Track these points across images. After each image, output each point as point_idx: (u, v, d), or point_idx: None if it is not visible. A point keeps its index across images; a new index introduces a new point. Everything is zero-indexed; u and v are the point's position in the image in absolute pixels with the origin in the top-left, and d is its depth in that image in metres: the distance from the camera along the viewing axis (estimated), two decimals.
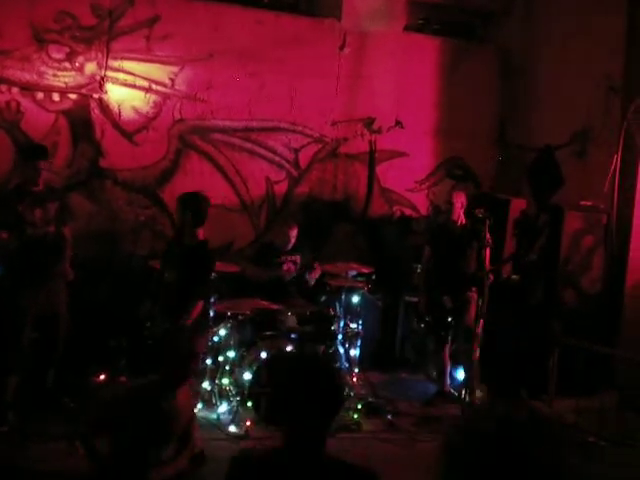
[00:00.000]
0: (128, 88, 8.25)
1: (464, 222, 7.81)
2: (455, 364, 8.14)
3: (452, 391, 7.94)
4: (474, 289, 7.60)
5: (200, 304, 6.81)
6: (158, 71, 8.33)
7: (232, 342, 7.22)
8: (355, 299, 7.93)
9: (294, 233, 7.95)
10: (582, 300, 8.42)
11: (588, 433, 6.99)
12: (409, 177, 9.63)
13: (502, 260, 8.36)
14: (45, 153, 7.10)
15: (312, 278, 8.03)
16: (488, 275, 7.50)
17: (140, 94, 8.31)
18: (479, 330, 7.68)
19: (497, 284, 7.82)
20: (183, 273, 6.88)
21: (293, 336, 7.40)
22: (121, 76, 8.19)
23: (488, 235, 7.57)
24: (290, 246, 7.97)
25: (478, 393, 7.39)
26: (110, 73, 8.14)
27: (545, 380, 7.65)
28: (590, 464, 6.12)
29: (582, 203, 8.50)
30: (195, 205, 7.01)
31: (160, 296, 6.97)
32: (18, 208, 6.57)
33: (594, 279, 8.47)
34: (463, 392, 7.54)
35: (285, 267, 7.95)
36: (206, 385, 7.19)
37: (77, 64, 8.00)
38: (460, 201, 7.84)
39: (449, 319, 7.76)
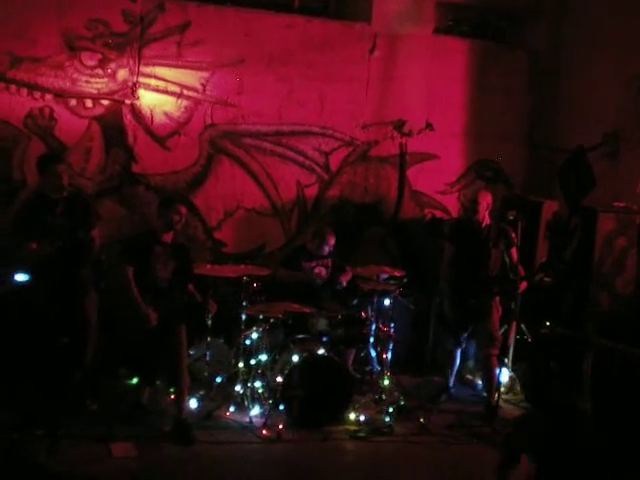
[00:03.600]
0: (160, 94, 8.31)
1: (489, 223, 7.67)
2: (478, 369, 8.18)
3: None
4: (496, 291, 7.57)
5: None
6: (189, 77, 8.39)
7: (264, 345, 7.25)
8: (387, 302, 7.91)
9: (332, 242, 7.94)
10: (616, 302, 8.35)
11: None
12: (440, 179, 9.60)
13: (535, 269, 8.31)
14: (61, 157, 7.19)
15: (343, 281, 8.02)
16: (521, 282, 7.46)
17: (172, 99, 8.37)
18: (504, 335, 7.68)
19: (530, 287, 7.81)
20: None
21: (325, 339, 7.42)
22: (153, 82, 8.26)
23: (513, 234, 7.55)
24: (326, 254, 7.97)
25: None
26: (142, 79, 8.21)
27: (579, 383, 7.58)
28: None
29: (615, 204, 8.44)
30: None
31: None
32: (45, 218, 6.62)
33: (628, 280, 8.40)
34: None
35: (317, 271, 7.96)
36: (238, 388, 7.21)
37: (109, 70, 8.07)
38: (486, 201, 7.65)
39: (469, 321, 7.71)
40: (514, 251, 7.59)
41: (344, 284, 8.02)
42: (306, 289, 7.80)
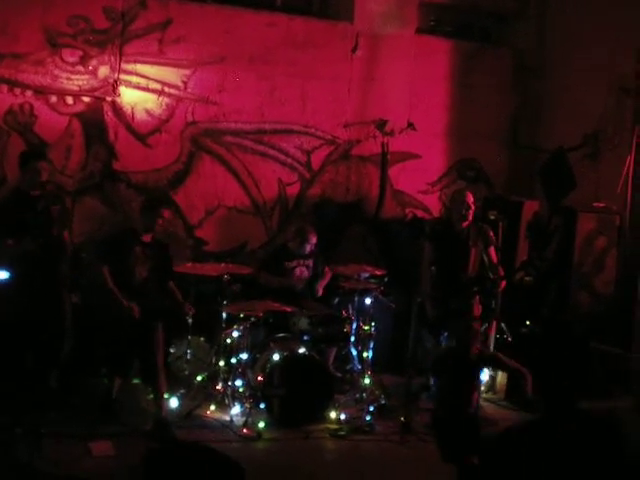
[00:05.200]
0: (141, 91, 8.28)
1: (469, 222, 7.64)
2: None
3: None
4: (476, 291, 7.58)
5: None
6: (171, 74, 8.37)
7: (245, 344, 7.23)
8: (368, 301, 7.91)
9: (314, 241, 7.94)
10: (595, 302, 8.40)
11: None
12: (421, 179, 9.62)
13: (515, 269, 8.34)
14: (43, 154, 7.15)
15: (321, 286, 8.01)
16: (500, 281, 7.47)
17: (153, 97, 8.35)
18: (484, 334, 7.68)
19: (510, 286, 7.82)
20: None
21: (305, 338, 7.41)
22: (134, 79, 8.23)
23: (492, 233, 7.56)
24: (307, 253, 7.96)
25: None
26: (123, 76, 8.18)
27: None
28: None
29: (595, 205, 8.48)
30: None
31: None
32: (22, 214, 6.58)
33: (607, 281, 8.45)
34: None
35: (298, 272, 7.94)
36: (219, 387, 7.20)
37: (90, 67, 8.04)
38: (473, 201, 7.65)
39: (450, 321, 7.71)
40: (492, 250, 7.60)
41: (319, 292, 8.01)
42: (287, 288, 7.79)
